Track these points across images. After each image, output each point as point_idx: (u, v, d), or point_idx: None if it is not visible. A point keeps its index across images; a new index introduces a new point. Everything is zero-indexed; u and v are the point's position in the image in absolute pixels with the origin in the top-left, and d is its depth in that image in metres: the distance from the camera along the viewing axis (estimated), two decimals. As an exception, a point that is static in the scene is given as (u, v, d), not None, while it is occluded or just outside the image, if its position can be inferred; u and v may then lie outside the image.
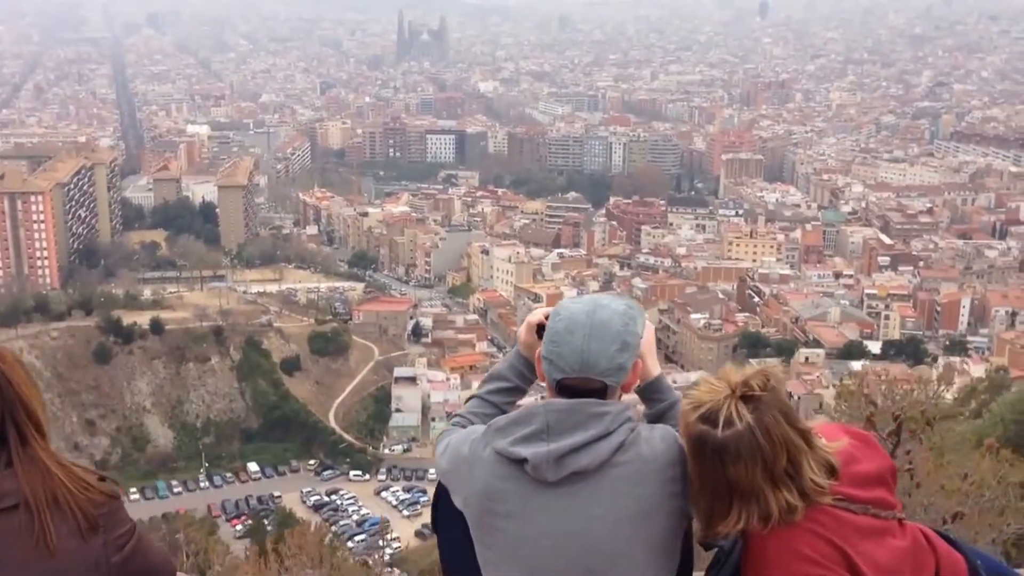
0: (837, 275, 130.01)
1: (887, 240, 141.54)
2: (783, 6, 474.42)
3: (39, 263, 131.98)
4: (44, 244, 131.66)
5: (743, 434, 2.45)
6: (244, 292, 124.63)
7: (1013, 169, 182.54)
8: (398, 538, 70.21)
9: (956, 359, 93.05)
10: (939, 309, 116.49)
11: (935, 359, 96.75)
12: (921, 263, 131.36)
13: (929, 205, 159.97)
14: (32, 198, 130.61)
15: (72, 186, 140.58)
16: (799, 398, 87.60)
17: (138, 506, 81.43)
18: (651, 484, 2.64)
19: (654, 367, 2.99)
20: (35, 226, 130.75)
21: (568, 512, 2.64)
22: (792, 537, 2.48)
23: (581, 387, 2.69)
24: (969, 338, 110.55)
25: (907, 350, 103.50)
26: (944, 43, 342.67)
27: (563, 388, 2.71)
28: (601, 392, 2.70)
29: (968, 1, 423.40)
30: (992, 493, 7.19)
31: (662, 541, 2.68)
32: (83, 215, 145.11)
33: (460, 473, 2.81)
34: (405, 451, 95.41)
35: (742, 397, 2.49)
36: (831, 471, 2.51)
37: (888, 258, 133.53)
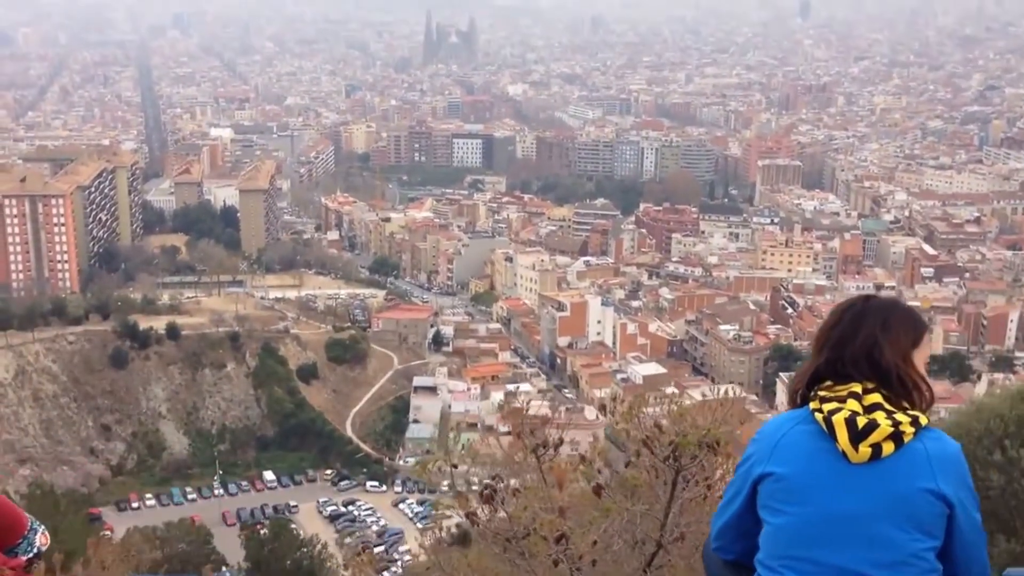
0: (877, 286, 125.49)
1: (931, 250, 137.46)
2: (825, 6, 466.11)
3: (59, 266, 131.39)
4: (64, 247, 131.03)
5: None
6: (262, 298, 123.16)
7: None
8: (409, 550, 68.52)
9: (1000, 376, 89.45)
10: (985, 323, 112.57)
11: (979, 376, 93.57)
12: (967, 274, 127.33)
13: (977, 214, 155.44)
14: (53, 201, 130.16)
15: (93, 189, 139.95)
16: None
17: (153, 512, 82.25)
18: None
19: None
20: (55, 229, 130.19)
21: None
22: None
23: None
24: (1017, 354, 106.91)
25: (950, 366, 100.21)
26: (995, 45, 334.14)
27: None
28: None
29: (1021, 1, 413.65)
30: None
31: None
32: (104, 218, 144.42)
33: None
34: (419, 463, 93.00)
35: None
36: None
37: (932, 269, 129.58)
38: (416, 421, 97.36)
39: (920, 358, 3.37)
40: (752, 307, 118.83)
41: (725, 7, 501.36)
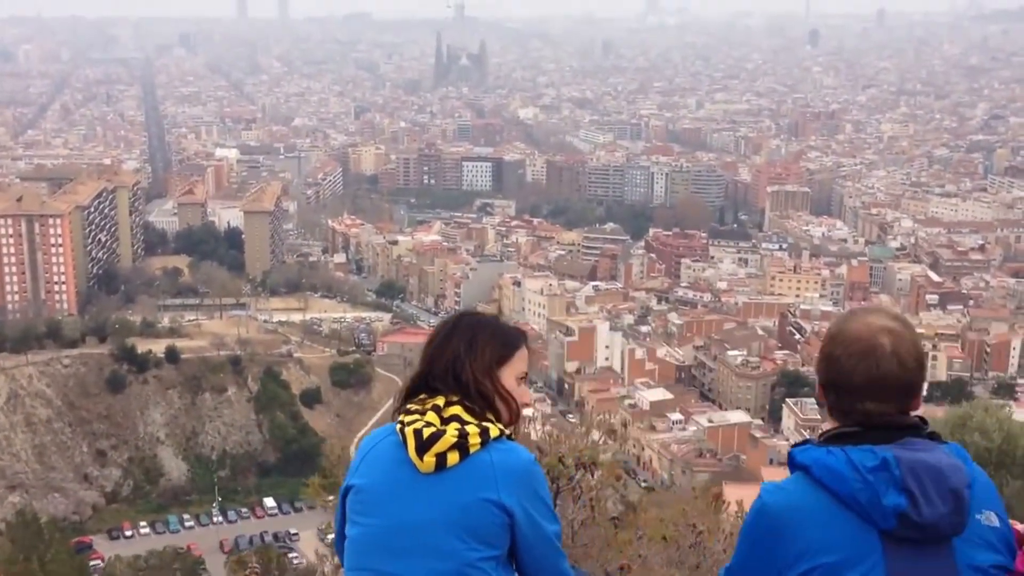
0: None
1: (936, 277, 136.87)
2: (834, 35, 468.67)
3: (56, 288, 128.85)
4: (62, 268, 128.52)
5: None
6: (265, 321, 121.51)
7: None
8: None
9: (1000, 402, 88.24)
10: (988, 350, 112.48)
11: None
12: (971, 302, 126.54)
13: (981, 242, 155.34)
14: (50, 221, 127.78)
15: (92, 209, 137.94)
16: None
17: (148, 540, 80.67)
18: None
19: None
20: (53, 250, 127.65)
21: None
22: None
23: None
24: (1019, 381, 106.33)
25: (952, 392, 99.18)
26: (1000, 75, 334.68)
27: None
28: None
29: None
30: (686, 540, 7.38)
31: None
32: (103, 239, 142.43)
33: None
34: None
35: None
36: None
37: (936, 296, 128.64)
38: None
39: (510, 373, 3.44)
40: (760, 333, 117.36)
41: (736, 34, 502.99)
